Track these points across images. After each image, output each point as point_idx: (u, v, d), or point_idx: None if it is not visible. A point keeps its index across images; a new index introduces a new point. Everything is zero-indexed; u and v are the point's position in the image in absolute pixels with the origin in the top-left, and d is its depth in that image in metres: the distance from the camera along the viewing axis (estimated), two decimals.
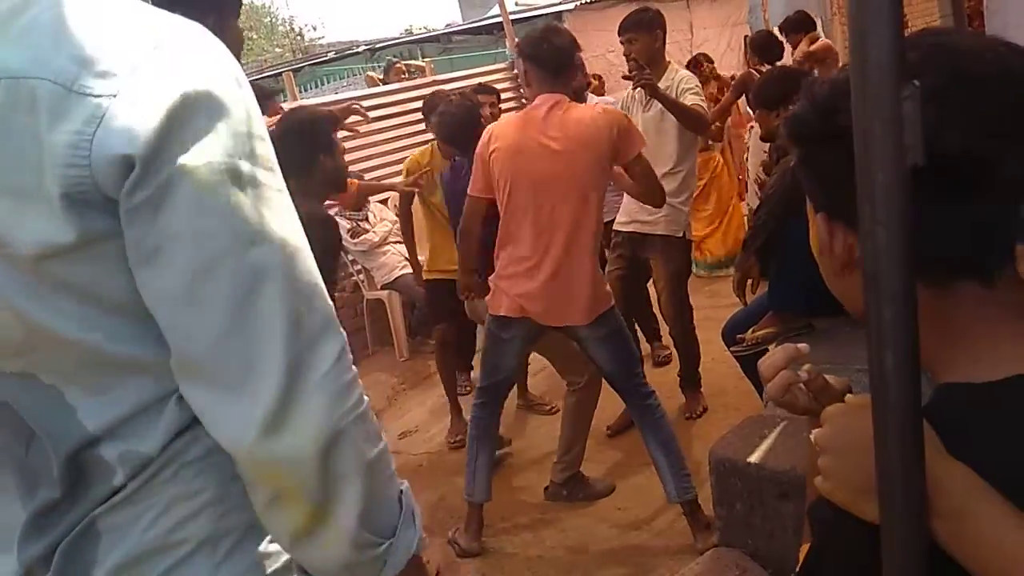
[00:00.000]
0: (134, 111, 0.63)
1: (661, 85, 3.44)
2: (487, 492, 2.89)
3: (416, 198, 3.96)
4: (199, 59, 0.68)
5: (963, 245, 0.63)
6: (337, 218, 5.03)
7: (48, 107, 0.63)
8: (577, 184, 2.57)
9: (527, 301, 2.65)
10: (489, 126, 2.81)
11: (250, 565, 0.78)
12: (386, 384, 4.58)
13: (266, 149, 0.71)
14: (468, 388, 4.43)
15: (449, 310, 3.63)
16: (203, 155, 0.65)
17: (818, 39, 5.60)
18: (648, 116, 3.54)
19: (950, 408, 0.64)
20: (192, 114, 0.64)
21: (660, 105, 3.42)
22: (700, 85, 3.62)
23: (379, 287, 4.96)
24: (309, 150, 2.49)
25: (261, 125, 0.71)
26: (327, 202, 2.96)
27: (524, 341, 2.79)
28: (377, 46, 10.77)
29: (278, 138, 2.73)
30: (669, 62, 3.61)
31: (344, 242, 5.00)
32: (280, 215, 0.71)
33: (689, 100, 3.41)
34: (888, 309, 0.53)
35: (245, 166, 0.68)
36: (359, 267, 5.19)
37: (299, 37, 26.02)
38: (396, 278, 4.82)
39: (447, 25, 12.78)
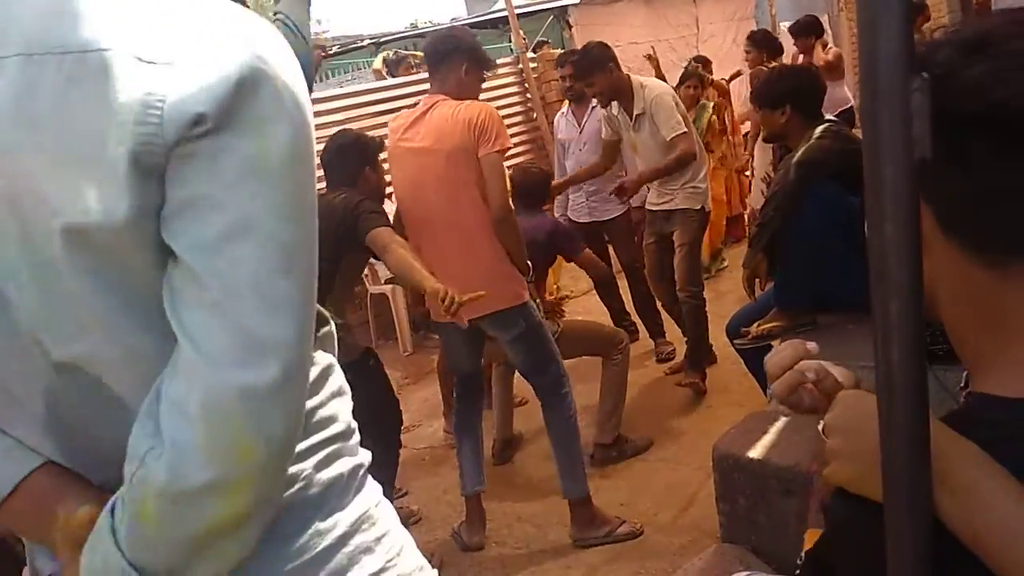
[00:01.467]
0: (206, 74, 0.65)
1: (635, 109, 3.66)
2: (478, 480, 2.93)
3: None
4: (258, 36, 0.70)
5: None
6: None
7: (119, 75, 0.65)
8: (446, 181, 2.58)
9: None
10: (392, 120, 2.90)
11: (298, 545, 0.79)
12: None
13: (312, 130, 0.73)
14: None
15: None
16: (266, 126, 0.67)
17: (827, 44, 5.67)
18: (639, 136, 3.73)
19: (984, 424, 0.61)
20: (259, 86, 0.67)
21: (647, 124, 3.64)
22: (675, 96, 3.74)
23: (383, 281, 4.97)
24: (356, 163, 2.75)
25: (308, 101, 0.73)
26: None
27: (465, 340, 2.77)
28: (382, 40, 10.75)
29: (331, 153, 2.82)
30: (629, 79, 3.70)
31: None
32: (314, 200, 0.73)
33: (668, 131, 3.57)
34: (895, 303, 0.53)
35: (301, 145, 0.70)
36: None
37: None
38: None
39: (452, 19, 12.76)
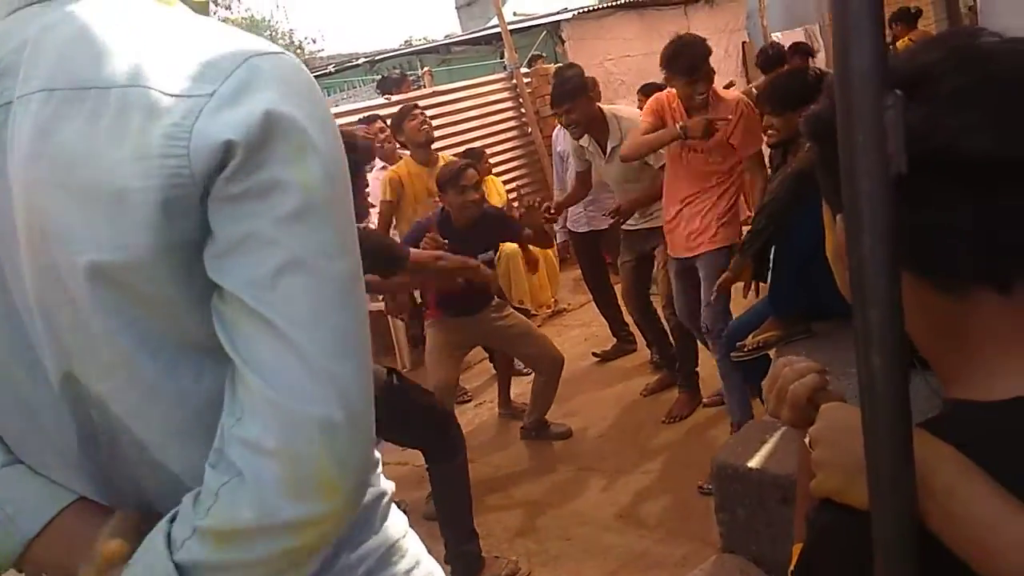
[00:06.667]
0: (235, 105, 0.64)
1: (611, 141, 3.63)
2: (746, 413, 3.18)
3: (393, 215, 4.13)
4: (284, 68, 0.68)
5: (981, 249, 0.61)
6: None
7: (142, 109, 0.64)
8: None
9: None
10: None
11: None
12: None
13: (345, 159, 0.72)
14: (468, 396, 4.47)
15: None
16: (305, 159, 0.66)
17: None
18: (611, 166, 3.69)
19: (961, 427, 0.63)
20: (289, 118, 0.65)
21: (618, 156, 3.54)
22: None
23: (379, 299, 4.97)
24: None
25: (337, 131, 0.72)
26: None
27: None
28: (377, 58, 10.81)
29: None
30: (602, 111, 3.69)
31: None
32: (355, 230, 0.72)
33: (653, 158, 3.54)
34: (874, 312, 0.54)
35: (339, 176, 0.69)
36: None
37: (299, 50, 26.12)
38: None
39: (446, 36, 12.83)
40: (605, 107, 3.78)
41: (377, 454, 0.87)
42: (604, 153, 3.69)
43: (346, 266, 0.69)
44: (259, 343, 0.65)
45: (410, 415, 2.62)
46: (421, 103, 6.34)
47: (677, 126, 3.17)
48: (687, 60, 3.14)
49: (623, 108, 3.83)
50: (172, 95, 0.64)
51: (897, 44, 6.29)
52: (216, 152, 0.63)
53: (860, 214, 0.53)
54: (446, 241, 3.14)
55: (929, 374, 0.73)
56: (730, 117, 3.16)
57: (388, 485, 0.89)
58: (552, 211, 3.76)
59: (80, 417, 0.74)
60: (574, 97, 3.55)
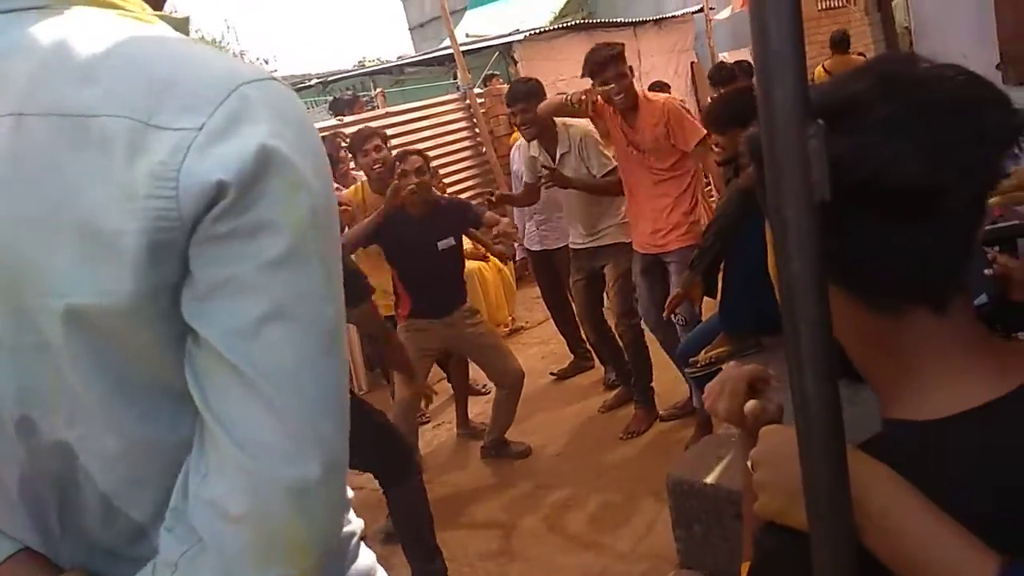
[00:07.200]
0: (225, 140, 0.59)
1: (560, 148, 3.76)
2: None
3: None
4: (276, 99, 0.64)
5: (914, 270, 0.63)
6: None
7: (125, 144, 0.59)
8: None
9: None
10: None
11: None
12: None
13: (334, 195, 0.68)
14: (426, 418, 4.44)
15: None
16: (296, 199, 0.62)
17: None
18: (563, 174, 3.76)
19: (898, 447, 0.64)
20: (281, 154, 0.61)
21: (572, 162, 3.71)
22: (596, 131, 3.76)
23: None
24: None
25: (328, 164, 0.68)
26: None
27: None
28: (329, 79, 10.77)
29: None
30: (552, 120, 3.76)
31: None
32: (341, 271, 0.68)
33: (600, 169, 3.70)
34: (805, 333, 0.55)
35: (329, 216, 0.66)
36: None
37: None
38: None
39: (399, 57, 12.84)
40: (557, 118, 3.82)
41: (349, 492, 0.84)
42: (553, 160, 3.77)
43: (332, 311, 0.65)
44: (232, 397, 0.61)
45: (362, 435, 2.57)
46: (374, 124, 6.34)
47: (565, 97, 3.48)
48: (591, 64, 3.45)
49: (574, 119, 3.86)
50: (157, 127, 0.59)
51: (816, 71, 6.59)
52: (207, 193, 0.59)
53: (787, 240, 0.55)
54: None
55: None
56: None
57: (358, 524, 0.86)
58: (493, 198, 3.83)
59: (34, 462, 0.70)
60: (528, 98, 3.69)
